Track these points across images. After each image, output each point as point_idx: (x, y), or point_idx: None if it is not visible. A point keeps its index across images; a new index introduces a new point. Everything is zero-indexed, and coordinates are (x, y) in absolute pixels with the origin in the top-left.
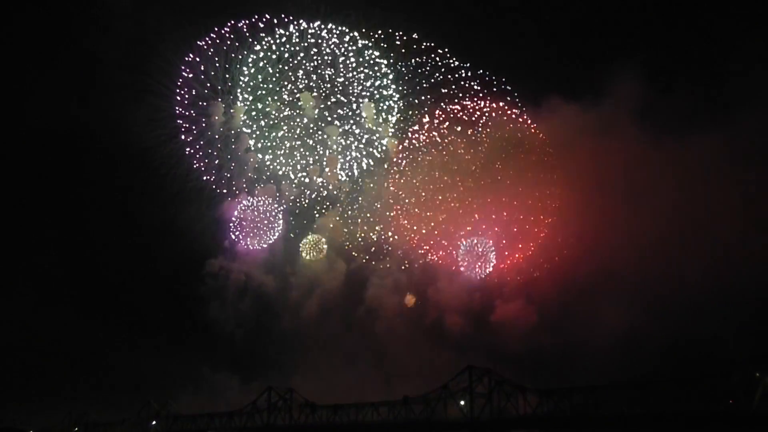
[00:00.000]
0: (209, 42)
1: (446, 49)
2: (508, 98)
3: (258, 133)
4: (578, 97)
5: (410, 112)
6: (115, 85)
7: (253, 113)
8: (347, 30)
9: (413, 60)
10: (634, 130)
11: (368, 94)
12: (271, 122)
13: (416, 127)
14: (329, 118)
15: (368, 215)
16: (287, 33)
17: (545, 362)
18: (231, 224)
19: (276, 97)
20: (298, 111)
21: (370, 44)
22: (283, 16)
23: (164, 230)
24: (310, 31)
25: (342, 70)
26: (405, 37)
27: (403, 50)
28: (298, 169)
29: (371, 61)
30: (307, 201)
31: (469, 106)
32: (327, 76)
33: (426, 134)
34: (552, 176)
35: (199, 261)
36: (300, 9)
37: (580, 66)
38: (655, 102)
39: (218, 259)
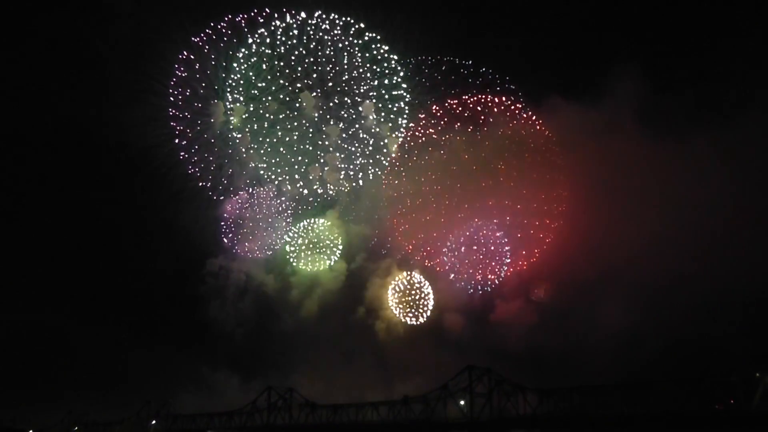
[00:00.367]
0: (206, 40)
1: (447, 47)
2: (512, 97)
3: (257, 133)
4: (579, 97)
5: (414, 112)
6: (115, 85)
7: (251, 112)
8: (352, 21)
9: (416, 59)
10: (634, 129)
11: (375, 94)
12: (268, 123)
13: (416, 126)
14: (332, 122)
15: (368, 216)
16: (284, 24)
17: (545, 362)
18: (231, 224)
19: (272, 97)
20: (295, 113)
21: (378, 37)
22: (284, 10)
23: (164, 229)
24: (310, 21)
25: (346, 66)
26: (406, 36)
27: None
28: (297, 169)
29: (379, 57)
30: (306, 201)
31: (470, 103)
32: (329, 73)
33: (426, 133)
34: (556, 177)
35: (199, 260)
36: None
37: (581, 66)
38: (656, 102)
39: (218, 258)
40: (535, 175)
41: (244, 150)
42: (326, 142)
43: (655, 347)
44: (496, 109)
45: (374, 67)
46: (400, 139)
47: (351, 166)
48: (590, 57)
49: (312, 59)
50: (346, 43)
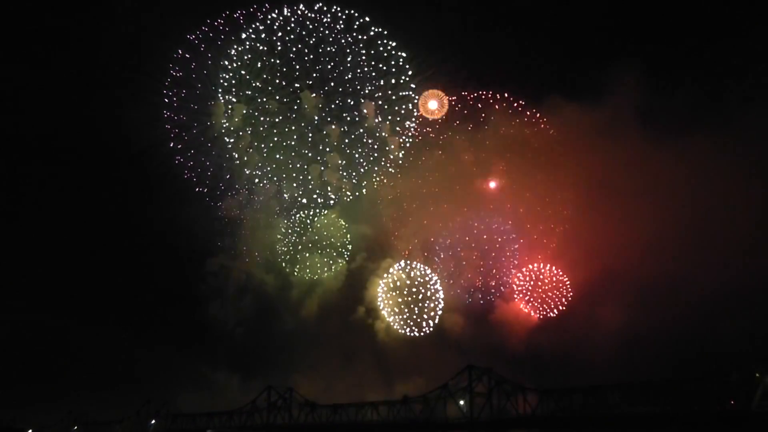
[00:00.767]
0: (204, 38)
1: (447, 46)
2: (513, 96)
3: (256, 132)
4: (579, 97)
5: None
6: (115, 85)
7: (250, 112)
8: (356, 14)
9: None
10: (635, 130)
11: (381, 95)
12: (267, 124)
13: (416, 125)
14: (333, 126)
15: (369, 216)
16: (281, 19)
17: (545, 362)
18: (231, 223)
19: (270, 98)
20: (294, 116)
21: (385, 32)
22: (283, 1)
23: (164, 229)
24: (310, 15)
25: (349, 64)
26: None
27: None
28: (297, 168)
29: (386, 54)
30: (306, 200)
31: (470, 101)
32: (330, 72)
33: (425, 132)
34: (560, 178)
35: (200, 259)
36: None
37: (581, 66)
38: (657, 102)
39: (218, 257)
40: (538, 177)
41: (243, 150)
42: (326, 143)
43: (655, 347)
44: (497, 107)
45: (380, 65)
46: (401, 139)
47: (352, 166)
48: (590, 57)
49: (312, 57)
50: (350, 39)
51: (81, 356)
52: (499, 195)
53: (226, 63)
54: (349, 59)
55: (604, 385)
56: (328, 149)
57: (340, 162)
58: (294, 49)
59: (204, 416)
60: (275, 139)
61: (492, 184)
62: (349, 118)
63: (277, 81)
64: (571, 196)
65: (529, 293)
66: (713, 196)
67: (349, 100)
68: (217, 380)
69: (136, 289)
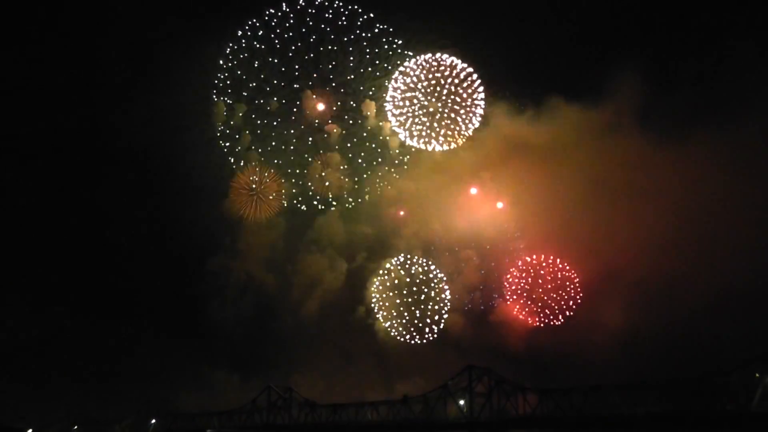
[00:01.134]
0: (203, 37)
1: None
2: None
3: (256, 132)
4: (579, 97)
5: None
6: (115, 85)
7: (250, 111)
8: (360, 10)
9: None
10: (635, 130)
11: (387, 97)
12: (267, 123)
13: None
14: (335, 129)
15: (368, 215)
16: (279, 14)
17: (545, 362)
18: (231, 223)
19: (269, 97)
20: (294, 116)
21: (391, 29)
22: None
23: (164, 229)
24: (310, 11)
25: (351, 63)
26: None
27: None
28: (297, 167)
29: (390, 52)
30: (306, 200)
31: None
32: (331, 72)
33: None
34: (559, 178)
35: (200, 259)
36: None
37: (581, 66)
38: (657, 102)
39: (219, 257)
40: (538, 177)
41: (251, 145)
42: (327, 143)
43: (655, 347)
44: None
45: (384, 64)
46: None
47: (352, 166)
48: (590, 57)
49: (312, 55)
50: (352, 36)
51: (81, 355)
52: (498, 195)
53: (226, 62)
54: (351, 58)
55: (604, 385)
56: (328, 149)
57: (340, 162)
58: (293, 47)
59: (204, 416)
60: (275, 139)
61: (491, 185)
62: (351, 122)
63: (274, 82)
64: (571, 196)
65: (526, 294)
66: (713, 196)
67: (352, 103)
68: (216, 380)
69: (136, 289)
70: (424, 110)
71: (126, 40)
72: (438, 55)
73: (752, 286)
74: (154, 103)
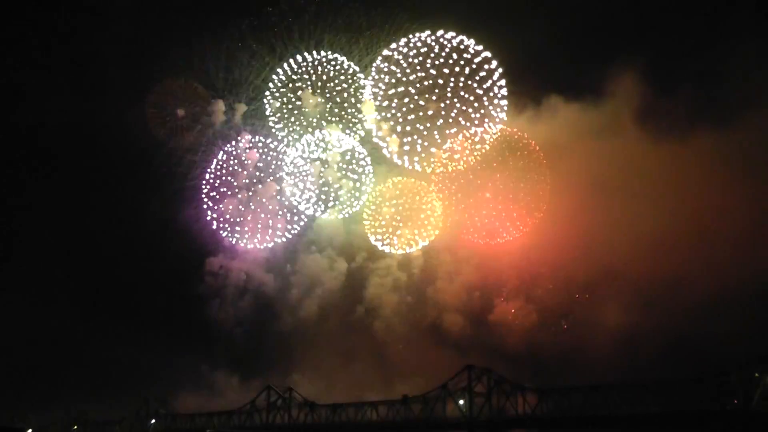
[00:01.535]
0: (203, 36)
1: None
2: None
3: (258, 130)
4: (579, 97)
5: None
6: (115, 85)
7: (252, 111)
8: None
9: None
10: (634, 130)
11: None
12: (267, 122)
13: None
14: (336, 132)
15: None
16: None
17: (545, 362)
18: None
19: (271, 98)
20: (296, 114)
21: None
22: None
23: (164, 228)
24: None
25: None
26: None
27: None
28: (298, 166)
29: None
30: (307, 199)
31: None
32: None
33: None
34: (558, 178)
35: (199, 259)
36: None
37: (581, 66)
38: (656, 102)
39: (218, 257)
40: (537, 177)
41: (252, 144)
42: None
43: (655, 347)
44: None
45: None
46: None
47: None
48: (590, 57)
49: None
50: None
51: (80, 355)
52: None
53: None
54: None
55: (604, 385)
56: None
57: (340, 162)
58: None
59: (203, 416)
60: (276, 137)
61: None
62: (352, 125)
63: (276, 81)
64: (571, 196)
65: (526, 294)
66: (713, 195)
67: (352, 105)
68: (216, 380)
69: (136, 288)
70: (420, 111)
71: (126, 39)
72: (440, 33)
73: (752, 286)
74: (155, 103)
